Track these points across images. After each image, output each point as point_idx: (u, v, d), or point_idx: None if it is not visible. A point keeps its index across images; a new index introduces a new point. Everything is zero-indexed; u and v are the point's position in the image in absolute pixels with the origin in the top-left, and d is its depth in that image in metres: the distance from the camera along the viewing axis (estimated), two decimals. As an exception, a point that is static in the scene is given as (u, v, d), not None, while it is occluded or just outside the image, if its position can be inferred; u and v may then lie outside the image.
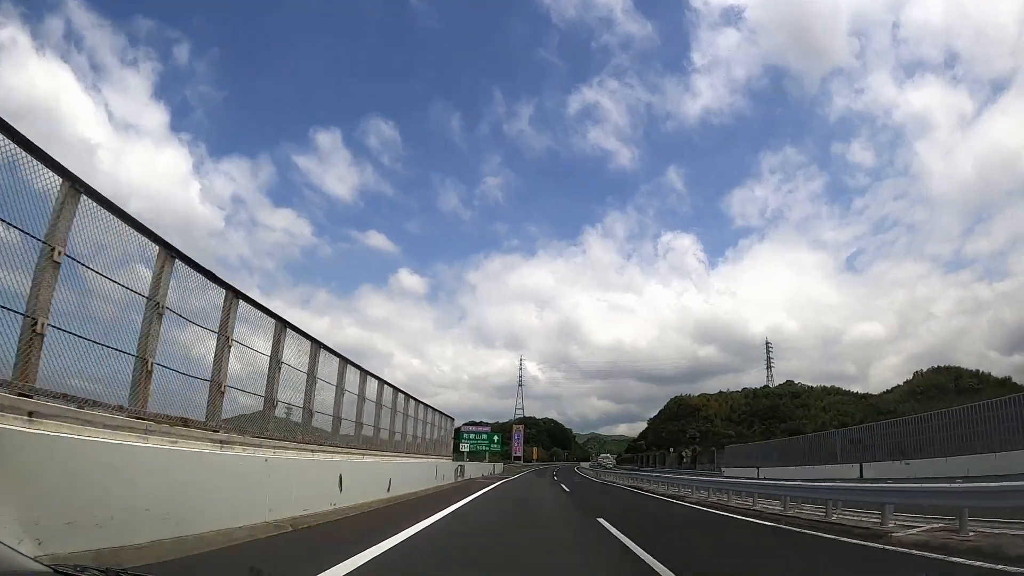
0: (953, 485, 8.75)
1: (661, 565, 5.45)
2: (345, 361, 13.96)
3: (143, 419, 6.17)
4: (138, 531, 4.72)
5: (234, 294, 8.53)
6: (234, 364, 8.64)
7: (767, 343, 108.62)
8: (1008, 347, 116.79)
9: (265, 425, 9.77)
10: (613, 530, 8.57)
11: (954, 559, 6.14)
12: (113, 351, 6.13)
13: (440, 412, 29.71)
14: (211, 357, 8.15)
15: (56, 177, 5.26)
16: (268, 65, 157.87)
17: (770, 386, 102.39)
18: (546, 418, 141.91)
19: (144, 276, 6.74)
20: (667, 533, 9.67)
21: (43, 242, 5.11)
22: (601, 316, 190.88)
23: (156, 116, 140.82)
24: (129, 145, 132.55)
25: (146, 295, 6.66)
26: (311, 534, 7.09)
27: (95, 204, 5.71)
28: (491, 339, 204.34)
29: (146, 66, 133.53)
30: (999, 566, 5.57)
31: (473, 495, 16.77)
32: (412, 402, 22.66)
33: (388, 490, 13.28)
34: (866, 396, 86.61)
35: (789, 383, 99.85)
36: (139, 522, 4.77)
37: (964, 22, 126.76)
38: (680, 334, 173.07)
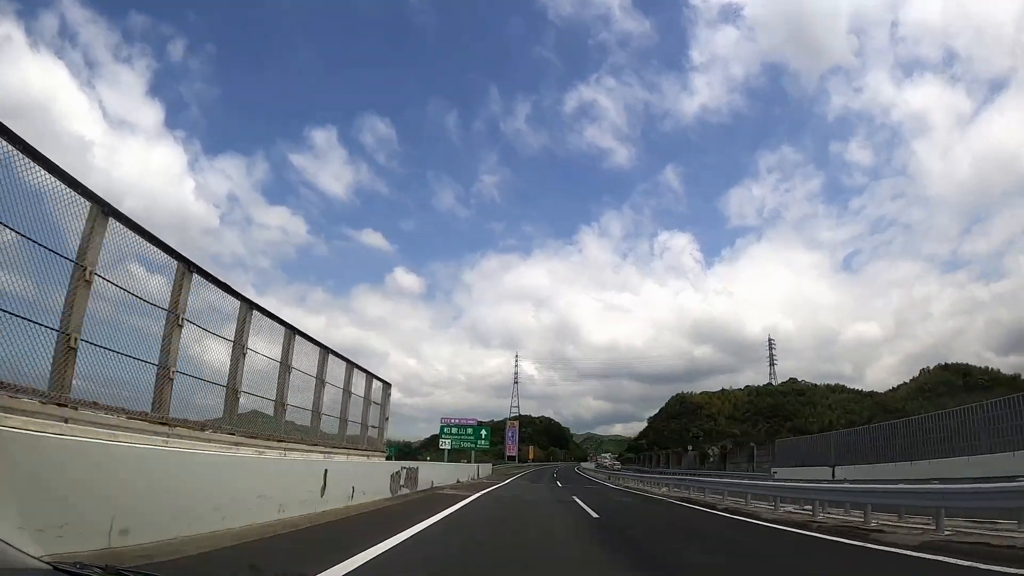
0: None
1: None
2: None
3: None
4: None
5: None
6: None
7: (770, 339, 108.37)
8: (1004, 348, 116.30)
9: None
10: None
11: None
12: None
13: (362, 370, 16.74)
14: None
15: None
16: (263, 62, 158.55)
17: (773, 384, 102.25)
18: (543, 416, 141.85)
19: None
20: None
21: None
22: (597, 316, 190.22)
23: (151, 113, 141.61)
24: (124, 142, 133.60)
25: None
26: None
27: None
28: (487, 339, 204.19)
29: (141, 63, 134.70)
30: None
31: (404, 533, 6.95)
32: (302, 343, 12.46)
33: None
34: (872, 394, 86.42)
35: (792, 381, 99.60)
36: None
37: (963, 21, 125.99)
38: (676, 334, 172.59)
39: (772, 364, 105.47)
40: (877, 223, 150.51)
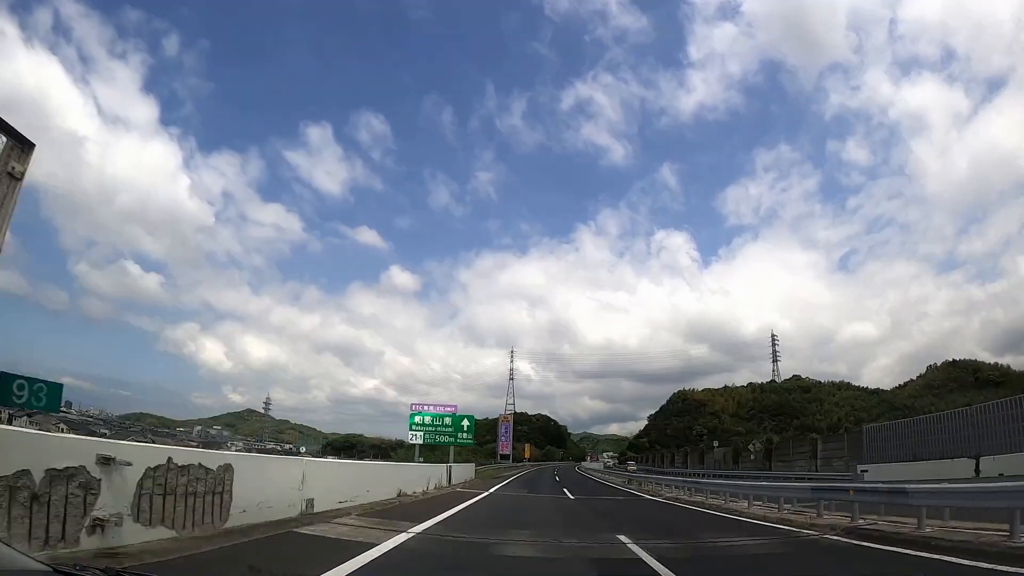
0: None
1: None
2: None
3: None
4: None
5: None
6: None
7: (773, 336, 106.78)
8: (1000, 347, 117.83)
9: None
10: None
11: None
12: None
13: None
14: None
15: None
16: (258, 58, 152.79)
17: (776, 381, 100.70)
18: (539, 414, 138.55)
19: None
20: None
21: None
22: (593, 315, 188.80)
23: (145, 109, 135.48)
24: (117, 138, 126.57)
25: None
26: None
27: None
28: (483, 338, 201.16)
29: (135, 58, 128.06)
30: None
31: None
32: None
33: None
34: (878, 391, 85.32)
35: (796, 378, 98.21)
36: None
37: (961, 20, 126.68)
38: (672, 333, 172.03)
39: (775, 361, 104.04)
40: (874, 223, 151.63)
